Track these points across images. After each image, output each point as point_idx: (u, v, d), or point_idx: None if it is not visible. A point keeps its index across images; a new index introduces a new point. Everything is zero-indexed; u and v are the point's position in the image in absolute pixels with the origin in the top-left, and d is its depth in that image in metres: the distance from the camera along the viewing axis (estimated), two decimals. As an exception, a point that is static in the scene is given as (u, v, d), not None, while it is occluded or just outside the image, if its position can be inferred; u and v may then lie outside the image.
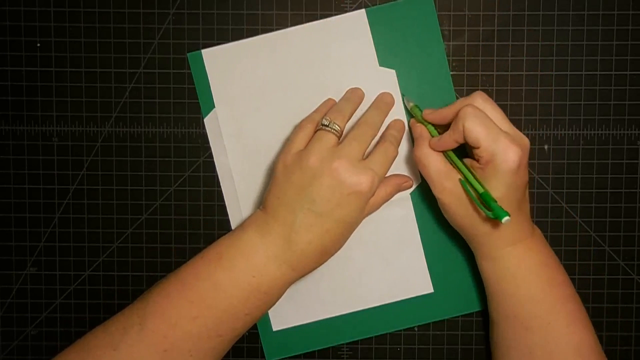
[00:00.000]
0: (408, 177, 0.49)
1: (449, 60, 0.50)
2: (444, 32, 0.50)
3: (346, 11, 0.50)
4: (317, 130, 0.45)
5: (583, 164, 0.50)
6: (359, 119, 0.47)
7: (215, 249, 0.44)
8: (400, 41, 0.49)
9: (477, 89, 0.50)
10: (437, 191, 0.45)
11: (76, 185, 0.51)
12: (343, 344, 0.52)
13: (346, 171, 0.42)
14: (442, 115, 0.46)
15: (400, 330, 0.51)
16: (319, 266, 0.45)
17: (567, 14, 0.50)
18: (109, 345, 0.42)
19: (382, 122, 0.47)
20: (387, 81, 0.50)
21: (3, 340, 0.52)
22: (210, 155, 0.51)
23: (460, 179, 0.44)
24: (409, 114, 0.49)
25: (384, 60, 0.50)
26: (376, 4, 0.49)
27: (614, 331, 0.51)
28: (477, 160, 0.44)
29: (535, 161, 0.50)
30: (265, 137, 0.50)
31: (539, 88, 0.50)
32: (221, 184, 0.51)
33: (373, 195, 0.44)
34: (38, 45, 0.50)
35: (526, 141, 0.44)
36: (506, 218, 0.41)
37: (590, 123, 0.50)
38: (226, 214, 0.51)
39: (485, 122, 0.43)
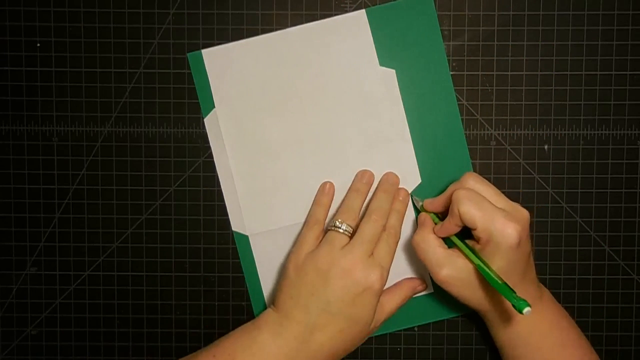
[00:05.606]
0: (421, 280, 0.50)
1: (449, 60, 0.50)
2: (444, 32, 0.50)
3: (346, 11, 0.50)
4: (328, 231, 0.46)
5: (583, 164, 0.50)
6: (368, 209, 0.47)
7: (228, 350, 0.44)
8: (400, 41, 0.49)
9: (477, 89, 0.50)
10: (435, 279, 0.45)
11: (76, 185, 0.51)
12: (343, 344, 0.52)
13: (358, 271, 0.43)
14: (439, 203, 0.47)
15: (400, 330, 0.51)
16: None
17: (567, 14, 0.50)
18: None
19: (390, 206, 0.48)
20: (387, 81, 0.50)
21: (3, 340, 0.52)
22: (210, 155, 0.50)
23: (477, 265, 0.43)
24: (416, 208, 0.50)
25: (384, 60, 0.50)
26: (376, 4, 0.49)
27: (614, 331, 0.51)
28: (477, 241, 0.43)
29: (535, 161, 0.50)
30: (265, 137, 0.50)
31: (539, 88, 0.50)
32: (221, 184, 0.51)
33: (382, 292, 0.45)
34: (38, 45, 0.50)
35: (525, 214, 0.43)
36: (527, 309, 0.39)
37: (590, 123, 0.50)
38: (226, 214, 0.51)
39: (478, 203, 0.43)
